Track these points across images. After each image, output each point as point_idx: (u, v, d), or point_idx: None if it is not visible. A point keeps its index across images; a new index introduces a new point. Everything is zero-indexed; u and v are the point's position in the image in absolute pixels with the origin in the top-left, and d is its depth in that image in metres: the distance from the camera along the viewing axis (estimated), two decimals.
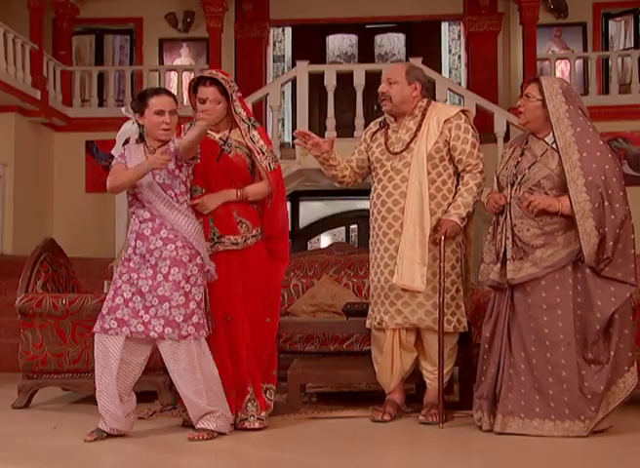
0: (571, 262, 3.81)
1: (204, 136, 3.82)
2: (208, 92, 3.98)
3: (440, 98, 9.49)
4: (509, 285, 3.89)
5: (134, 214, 3.84)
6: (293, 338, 5.29)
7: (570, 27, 12.47)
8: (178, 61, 12.71)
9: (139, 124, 3.84)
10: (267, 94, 9.99)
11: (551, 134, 3.89)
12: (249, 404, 3.95)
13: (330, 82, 9.85)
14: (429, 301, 4.14)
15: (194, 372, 3.71)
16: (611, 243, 3.74)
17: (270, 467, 3.41)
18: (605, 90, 11.89)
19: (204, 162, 3.97)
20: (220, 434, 3.77)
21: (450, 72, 13.09)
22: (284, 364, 4.54)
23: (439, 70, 12.17)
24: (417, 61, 9.37)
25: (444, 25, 13.16)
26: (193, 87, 4.06)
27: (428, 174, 4.18)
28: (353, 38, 13.30)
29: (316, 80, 9.98)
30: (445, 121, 4.22)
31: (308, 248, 13.73)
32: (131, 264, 3.75)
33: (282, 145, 10.81)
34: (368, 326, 4.36)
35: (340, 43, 13.32)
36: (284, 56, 13.37)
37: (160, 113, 3.77)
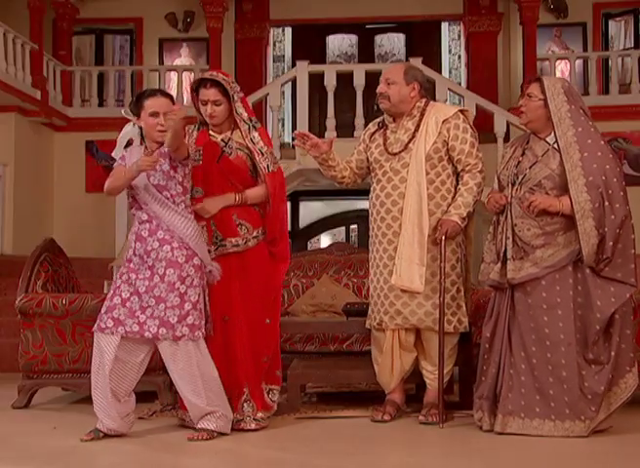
0: (571, 262, 3.81)
1: (207, 137, 3.82)
2: (209, 93, 3.99)
3: (440, 98, 9.49)
4: (510, 284, 3.89)
5: (134, 216, 3.86)
6: (293, 338, 5.30)
7: (570, 27, 12.47)
8: (178, 61, 12.71)
9: (139, 126, 3.85)
10: (267, 94, 10.00)
11: (552, 134, 3.89)
12: (245, 404, 3.94)
13: (330, 82, 9.85)
14: (429, 302, 4.14)
15: (193, 373, 3.71)
16: (610, 243, 3.74)
17: (270, 467, 3.41)
18: (605, 90, 11.89)
19: (205, 163, 3.98)
20: (221, 434, 3.77)
21: (450, 72, 13.09)
22: (284, 364, 4.53)
23: (439, 70, 12.17)
24: (417, 61, 9.37)
25: (444, 25, 13.16)
26: (195, 89, 4.07)
27: (427, 174, 4.18)
28: (353, 38, 13.30)
29: (316, 80, 9.98)
30: (443, 121, 4.21)
31: (308, 248, 13.73)
32: (131, 265, 3.77)
33: (282, 145, 10.81)
34: (368, 326, 4.36)
35: (339, 43, 13.32)
36: (284, 56, 13.37)
37: (155, 115, 3.77)
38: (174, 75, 12.38)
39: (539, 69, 11.64)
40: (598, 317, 3.75)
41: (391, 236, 4.21)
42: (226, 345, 3.95)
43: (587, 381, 3.75)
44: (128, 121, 3.93)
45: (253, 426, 3.92)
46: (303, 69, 9.96)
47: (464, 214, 4.14)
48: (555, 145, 3.87)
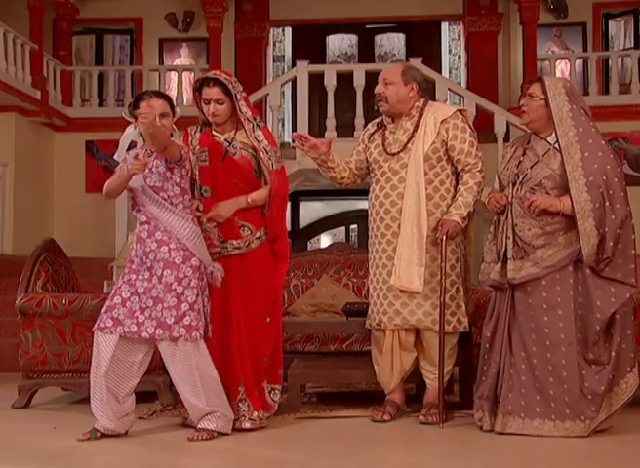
0: (572, 262, 3.81)
1: (210, 138, 3.85)
2: (211, 92, 4.00)
3: (440, 98, 9.49)
4: (510, 284, 3.89)
5: (135, 217, 3.88)
6: (293, 338, 5.29)
7: (570, 27, 12.47)
8: (178, 61, 12.71)
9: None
10: (267, 94, 10.00)
11: (553, 134, 3.89)
12: (240, 404, 3.94)
13: (330, 82, 9.85)
14: (428, 302, 4.14)
15: (192, 374, 3.71)
16: (611, 243, 3.74)
17: (270, 467, 3.41)
18: (605, 90, 11.89)
19: (211, 163, 4.00)
20: (221, 434, 3.78)
21: (450, 72, 13.08)
22: (284, 364, 4.53)
23: (439, 70, 12.16)
24: (417, 61, 9.38)
25: (444, 25, 13.15)
26: (197, 88, 4.07)
27: (425, 174, 4.18)
28: (353, 38, 13.30)
29: (316, 80, 9.98)
30: (442, 121, 4.21)
31: (308, 248, 13.73)
32: (133, 266, 3.80)
33: (282, 145, 10.81)
34: (367, 326, 4.36)
35: (340, 43, 13.32)
36: (284, 56, 13.37)
37: None
38: (174, 75, 12.37)
39: (539, 69, 11.63)
40: (598, 317, 3.75)
41: (390, 236, 4.21)
42: (224, 345, 3.95)
43: (588, 381, 3.75)
44: (129, 122, 3.92)
45: (247, 426, 3.92)
46: (303, 69, 9.96)
47: (465, 214, 4.14)
48: (556, 145, 3.87)
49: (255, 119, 4.08)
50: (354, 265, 6.27)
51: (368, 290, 4.52)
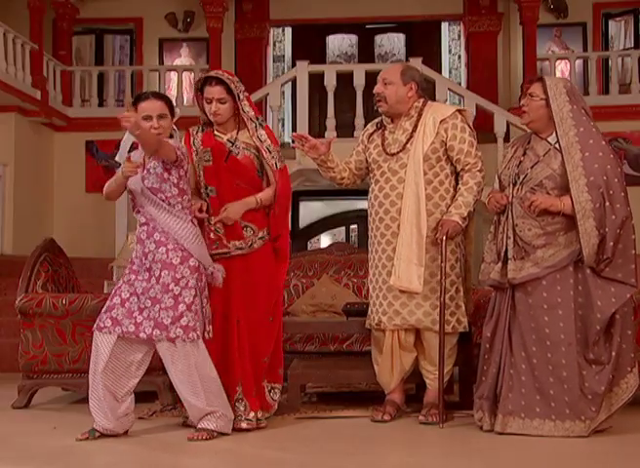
0: (572, 262, 3.81)
1: (213, 138, 3.88)
2: (214, 91, 4.00)
3: (440, 98, 9.49)
4: (510, 284, 3.88)
5: (136, 218, 3.88)
6: (293, 338, 5.29)
7: (570, 27, 12.47)
8: (178, 61, 12.71)
9: None
10: (267, 94, 10.01)
11: (554, 134, 3.89)
12: (237, 403, 3.94)
13: (330, 82, 9.85)
14: (427, 302, 4.14)
15: (191, 374, 3.71)
16: (611, 243, 3.74)
17: (270, 467, 3.41)
18: (605, 90, 11.89)
19: (215, 163, 4.01)
20: (222, 434, 3.77)
21: (450, 72, 13.08)
22: (284, 364, 4.54)
23: (439, 70, 12.16)
24: (417, 61, 9.38)
25: (444, 25, 13.15)
26: (200, 87, 4.07)
27: (425, 174, 4.18)
28: (353, 38, 13.30)
29: (316, 80, 9.98)
30: (441, 121, 4.21)
31: (308, 248, 13.73)
32: (133, 267, 3.81)
33: (282, 145, 10.79)
34: (367, 326, 4.36)
35: (340, 43, 13.31)
36: (284, 56, 13.37)
37: (148, 118, 3.77)
38: (174, 75, 12.37)
39: (539, 69, 11.63)
40: (599, 317, 3.75)
41: (390, 237, 4.21)
42: (224, 345, 3.95)
43: (588, 381, 3.75)
44: None
45: (244, 426, 3.91)
46: (303, 69, 9.97)
47: (465, 214, 4.14)
48: (557, 145, 3.87)
49: (257, 119, 4.09)
50: (354, 265, 6.27)
51: (368, 290, 4.52)
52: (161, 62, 12.77)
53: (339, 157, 4.42)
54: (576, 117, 3.85)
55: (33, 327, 4.71)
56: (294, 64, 10.81)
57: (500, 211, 3.99)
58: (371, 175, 4.37)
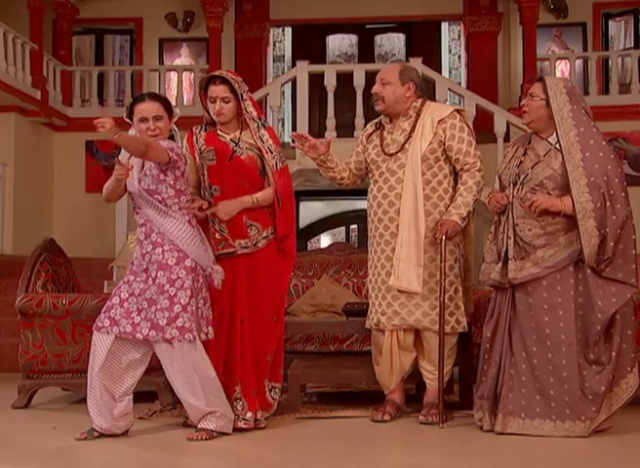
0: (572, 263, 3.81)
1: (216, 138, 3.91)
2: (218, 90, 4.01)
3: (440, 99, 9.48)
4: (511, 284, 3.88)
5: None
6: (293, 338, 5.29)
7: (570, 27, 12.47)
8: (178, 61, 12.70)
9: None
10: (267, 94, 10.00)
11: (554, 134, 3.89)
12: (235, 403, 3.94)
13: (330, 82, 9.85)
14: (426, 302, 4.14)
15: (190, 375, 3.71)
16: (612, 243, 3.74)
17: (270, 467, 3.41)
18: (605, 90, 11.89)
19: (219, 162, 4.02)
20: (222, 434, 3.77)
21: (450, 72, 13.08)
22: (284, 364, 4.54)
23: (439, 70, 12.15)
24: (417, 61, 9.38)
25: (444, 25, 13.14)
26: (203, 87, 4.08)
27: (423, 174, 4.18)
28: (353, 38, 13.29)
29: (316, 80, 9.97)
30: (439, 121, 4.21)
31: (308, 248, 13.73)
32: (133, 267, 3.81)
33: (282, 145, 10.77)
34: (367, 326, 4.36)
35: (340, 43, 13.31)
36: (284, 56, 13.36)
37: (143, 120, 3.77)
38: (174, 75, 12.37)
39: (539, 69, 11.63)
40: (599, 317, 3.75)
41: (389, 237, 4.21)
42: (227, 344, 3.95)
43: (588, 381, 3.75)
44: (128, 122, 3.93)
45: (241, 426, 3.91)
46: (303, 69, 9.96)
47: (464, 214, 4.14)
48: (557, 145, 3.87)
49: (260, 119, 4.10)
50: (354, 265, 6.27)
51: (368, 290, 4.52)
52: (161, 62, 12.77)
53: (339, 157, 4.42)
54: (576, 117, 3.85)
55: (33, 327, 4.70)
56: (294, 64, 10.81)
57: (501, 211, 3.99)
58: (370, 175, 4.37)
